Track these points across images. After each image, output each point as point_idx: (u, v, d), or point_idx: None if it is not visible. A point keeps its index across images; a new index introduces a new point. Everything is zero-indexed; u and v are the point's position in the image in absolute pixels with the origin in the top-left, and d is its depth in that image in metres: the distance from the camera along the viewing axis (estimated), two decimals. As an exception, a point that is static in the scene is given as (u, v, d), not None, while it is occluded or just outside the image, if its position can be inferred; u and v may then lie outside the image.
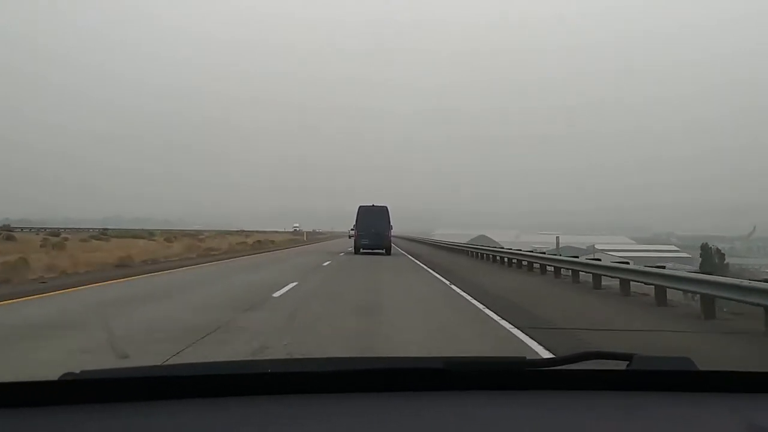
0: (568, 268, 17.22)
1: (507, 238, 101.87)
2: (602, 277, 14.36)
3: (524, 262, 21.48)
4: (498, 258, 26.53)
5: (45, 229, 70.65)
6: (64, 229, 71.08)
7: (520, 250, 25.28)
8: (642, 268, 12.54)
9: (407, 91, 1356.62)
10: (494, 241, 77.51)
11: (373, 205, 35.74)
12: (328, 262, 24.39)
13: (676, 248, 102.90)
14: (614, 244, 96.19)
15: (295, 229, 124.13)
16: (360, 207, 35.50)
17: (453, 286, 15.05)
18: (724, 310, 10.81)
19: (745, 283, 8.86)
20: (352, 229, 57.11)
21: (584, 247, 78.66)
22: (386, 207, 35.62)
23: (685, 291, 11.23)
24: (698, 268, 28.75)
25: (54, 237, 39.98)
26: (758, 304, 8.32)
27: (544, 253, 22.23)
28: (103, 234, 49.42)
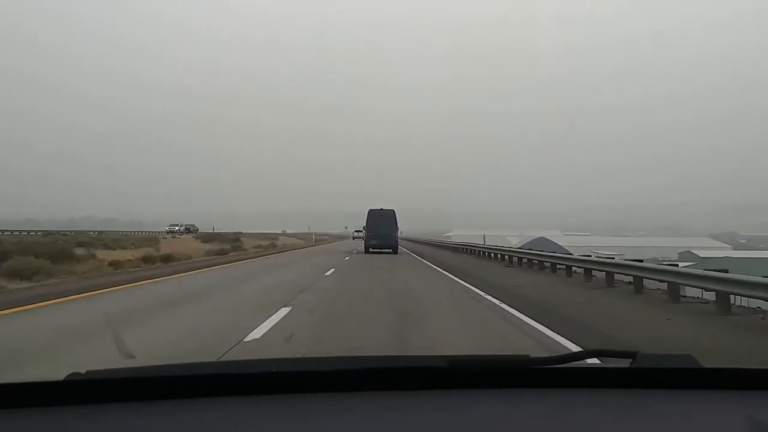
0: None
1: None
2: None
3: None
4: (575, 270, 17.43)
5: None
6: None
7: (641, 261, 14.22)
8: None
9: (407, 92, 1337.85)
10: (556, 245, 65.80)
11: (381, 209, 38.31)
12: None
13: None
14: (710, 250, 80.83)
15: (172, 230, 79.32)
16: (370, 210, 38.08)
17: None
18: None
19: None
20: (357, 231, 63.19)
21: (676, 255, 65.62)
22: (393, 210, 38.21)
23: None
24: None
25: None
26: None
27: (640, 261, 14.23)
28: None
